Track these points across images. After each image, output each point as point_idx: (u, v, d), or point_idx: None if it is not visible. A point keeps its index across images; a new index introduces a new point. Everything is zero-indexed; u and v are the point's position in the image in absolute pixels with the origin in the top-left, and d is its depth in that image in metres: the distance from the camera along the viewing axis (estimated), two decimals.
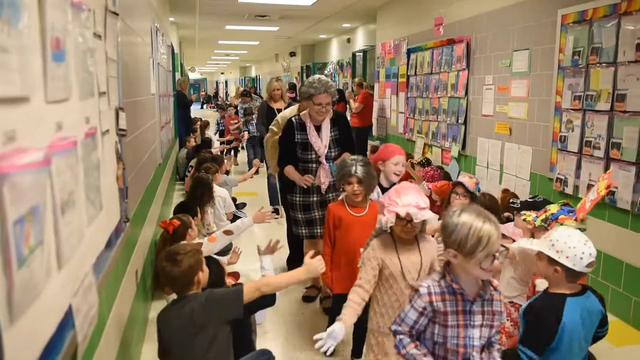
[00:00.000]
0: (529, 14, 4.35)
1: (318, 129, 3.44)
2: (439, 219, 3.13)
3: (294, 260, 4.16)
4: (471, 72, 5.38)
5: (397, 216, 1.99)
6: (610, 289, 3.44)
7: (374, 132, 8.50)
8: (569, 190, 3.83)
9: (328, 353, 1.88)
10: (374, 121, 8.49)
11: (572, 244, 1.84)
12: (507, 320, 2.66)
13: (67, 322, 1.32)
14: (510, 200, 3.39)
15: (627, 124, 3.26)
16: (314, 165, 3.45)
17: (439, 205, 4.00)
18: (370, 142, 8.29)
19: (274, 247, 2.59)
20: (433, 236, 2.42)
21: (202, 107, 31.04)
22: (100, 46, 1.92)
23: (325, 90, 3.30)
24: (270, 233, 5.44)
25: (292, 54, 16.40)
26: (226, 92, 35.34)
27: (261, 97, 9.66)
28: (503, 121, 4.80)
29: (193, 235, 3.27)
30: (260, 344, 2.97)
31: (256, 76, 27.01)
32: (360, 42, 10.97)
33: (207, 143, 8.30)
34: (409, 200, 2.01)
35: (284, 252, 4.04)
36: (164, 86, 6.02)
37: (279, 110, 5.40)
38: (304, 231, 3.54)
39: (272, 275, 2.44)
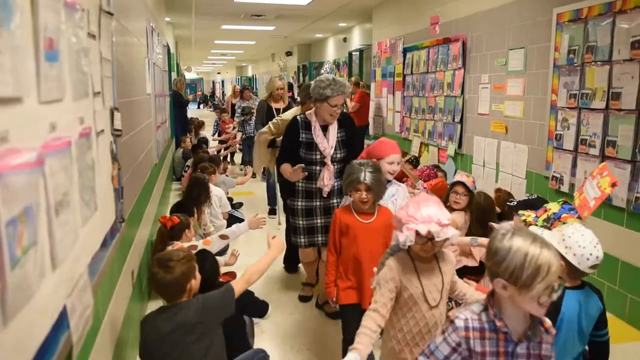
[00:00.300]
0: (525, 12, 4.36)
1: (324, 129, 3.28)
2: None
3: (288, 260, 4.24)
4: (467, 71, 5.38)
5: (417, 234, 1.80)
6: (606, 286, 3.45)
7: (371, 131, 8.50)
8: (564, 188, 3.84)
9: None
10: (370, 120, 8.50)
11: (582, 244, 1.85)
12: None
13: (61, 322, 1.32)
14: (509, 200, 3.40)
15: (622, 122, 3.27)
16: (318, 167, 3.28)
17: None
18: (367, 142, 8.29)
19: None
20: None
21: (198, 107, 31.04)
22: (94, 46, 1.91)
23: (342, 91, 3.16)
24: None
25: (289, 54, 16.40)
26: (223, 92, 35.31)
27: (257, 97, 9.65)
28: (499, 120, 4.81)
29: (189, 236, 3.27)
30: (257, 343, 2.98)
31: (253, 75, 27.00)
32: (356, 41, 10.98)
33: (202, 143, 8.28)
34: (430, 215, 1.81)
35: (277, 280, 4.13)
36: (160, 86, 6.01)
37: (279, 111, 5.37)
38: (303, 240, 3.36)
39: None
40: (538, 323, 1.51)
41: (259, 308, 3.41)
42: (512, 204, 3.16)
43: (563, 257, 1.87)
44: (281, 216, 5.39)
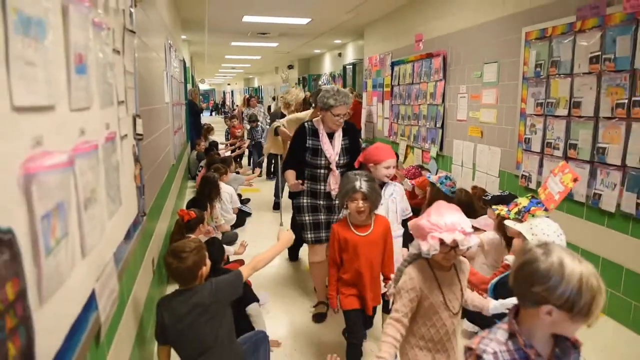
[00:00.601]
0: (498, 31, 4.36)
1: (330, 136, 3.15)
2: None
3: (289, 249, 4.18)
4: (447, 82, 5.38)
5: (441, 242, 1.62)
6: None
7: (363, 135, 8.49)
8: (532, 185, 3.84)
9: None
10: (362, 126, 8.49)
11: (546, 232, 1.87)
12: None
13: (91, 304, 1.32)
14: (485, 194, 3.41)
15: (582, 128, 3.27)
16: (323, 171, 3.14)
17: (422, 198, 4.01)
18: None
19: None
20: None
21: (211, 114, 31.00)
22: (119, 60, 1.91)
23: (345, 102, 3.03)
24: (274, 231, 5.44)
25: (290, 67, 16.37)
26: (232, 101, 35.24)
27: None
28: (475, 125, 4.81)
29: (202, 230, 3.26)
30: None
31: (259, 86, 26.94)
32: (350, 56, 10.96)
33: (213, 146, 8.25)
34: (454, 223, 1.63)
35: (284, 272, 4.00)
36: (177, 96, 6.00)
37: None
38: (310, 236, 3.19)
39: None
40: (564, 339, 1.20)
41: (247, 300, 3.05)
42: (487, 198, 3.17)
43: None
44: (283, 217, 5.35)
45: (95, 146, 1.42)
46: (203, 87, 31.02)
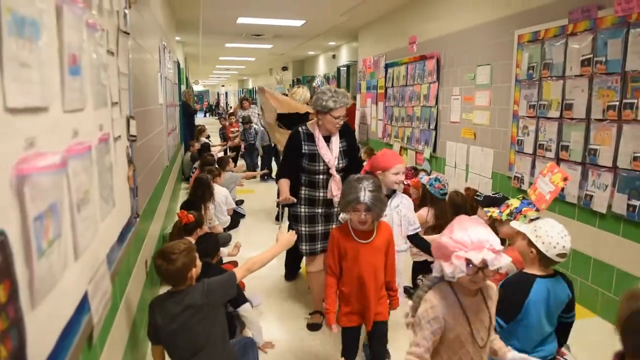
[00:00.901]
0: (490, 34, 4.39)
1: (326, 139, 2.96)
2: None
3: (287, 267, 3.89)
4: (441, 84, 5.40)
5: (469, 263, 1.40)
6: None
7: (357, 136, 8.50)
8: (525, 186, 3.87)
9: None
10: (356, 127, 8.51)
11: (551, 233, 1.86)
12: None
13: (83, 306, 1.31)
14: (477, 193, 3.43)
15: (574, 129, 3.30)
16: (322, 176, 2.95)
17: (415, 198, 4.03)
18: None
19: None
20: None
21: (205, 116, 30.93)
22: (113, 62, 1.90)
23: (345, 103, 2.86)
24: (271, 233, 5.43)
25: (285, 69, 16.37)
26: (226, 103, 35.17)
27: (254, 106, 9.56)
28: (468, 127, 4.83)
29: (200, 234, 3.24)
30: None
31: (253, 88, 26.91)
32: (344, 57, 10.98)
33: (206, 147, 8.22)
34: (481, 240, 1.41)
35: (280, 273, 3.87)
36: (171, 97, 5.98)
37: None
38: (305, 247, 3.01)
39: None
40: None
41: (237, 302, 2.89)
42: (479, 198, 3.19)
43: (534, 245, 1.89)
44: (284, 218, 5.29)
45: (88, 147, 1.42)
46: (197, 88, 30.94)
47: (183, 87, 10.42)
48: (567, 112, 3.34)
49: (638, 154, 2.78)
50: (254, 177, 7.83)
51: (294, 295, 3.61)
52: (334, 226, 2.96)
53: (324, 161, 2.92)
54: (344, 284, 2.22)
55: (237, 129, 9.12)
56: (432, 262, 1.61)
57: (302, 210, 3.01)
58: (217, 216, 4.52)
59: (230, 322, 2.61)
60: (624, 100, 2.87)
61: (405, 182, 4.27)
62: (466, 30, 4.83)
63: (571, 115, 3.30)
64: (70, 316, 1.19)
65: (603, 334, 2.98)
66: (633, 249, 2.90)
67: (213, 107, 33.42)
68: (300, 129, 3.00)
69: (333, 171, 2.94)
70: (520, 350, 1.89)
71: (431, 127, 5.60)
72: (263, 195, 6.97)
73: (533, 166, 3.78)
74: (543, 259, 1.89)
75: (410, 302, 1.62)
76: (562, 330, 2.03)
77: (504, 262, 1.42)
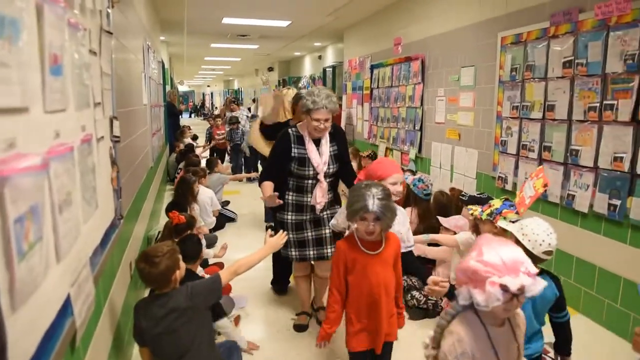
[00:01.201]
0: (474, 36, 4.43)
1: (317, 142, 2.80)
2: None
3: (278, 282, 3.67)
4: (426, 86, 5.45)
5: (504, 289, 1.25)
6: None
7: None
8: (509, 187, 3.92)
9: None
10: (342, 128, 8.52)
11: (537, 231, 1.89)
12: None
13: (66, 309, 1.30)
14: (462, 193, 3.47)
15: (556, 130, 3.35)
16: (311, 181, 2.80)
17: (399, 199, 4.06)
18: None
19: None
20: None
21: (190, 116, 30.73)
22: (95, 62, 1.88)
23: (324, 106, 2.64)
24: (257, 233, 5.41)
25: (270, 69, 16.34)
26: (212, 103, 34.97)
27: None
28: (453, 128, 4.88)
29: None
30: None
31: (239, 88, 26.81)
32: (330, 58, 11.00)
33: (190, 148, 8.16)
34: (515, 261, 1.28)
35: (267, 275, 3.68)
36: (155, 97, 5.92)
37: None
38: (294, 253, 2.88)
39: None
40: None
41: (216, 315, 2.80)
42: (464, 198, 3.23)
43: (520, 244, 1.91)
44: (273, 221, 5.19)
45: (70, 148, 1.40)
46: (182, 88, 30.72)
47: (168, 88, 10.33)
48: (550, 113, 3.39)
49: (618, 154, 2.84)
50: (241, 180, 7.81)
51: (281, 296, 3.60)
52: (325, 231, 2.87)
53: (313, 166, 2.77)
54: (352, 303, 2.03)
55: (222, 131, 9.08)
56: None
57: (289, 217, 2.86)
58: (202, 217, 4.50)
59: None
60: (604, 102, 2.92)
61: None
62: (451, 32, 4.87)
63: (553, 116, 3.36)
64: (52, 319, 1.17)
65: (586, 332, 3.03)
66: (614, 248, 2.95)
67: (198, 107, 33.22)
68: (290, 130, 2.85)
69: (321, 177, 2.78)
70: None
71: (416, 127, 5.64)
72: (249, 195, 6.95)
73: (516, 166, 3.82)
74: (530, 258, 1.92)
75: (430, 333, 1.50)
76: (559, 332, 2.04)
77: (540, 287, 1.28)
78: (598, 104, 2.97)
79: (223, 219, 5.42)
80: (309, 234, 2.87)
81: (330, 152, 2.83)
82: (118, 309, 2.27)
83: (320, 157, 2.78)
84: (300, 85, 13.22)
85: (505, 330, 1.39)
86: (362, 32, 7.70)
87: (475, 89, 4.44)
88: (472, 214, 2.68)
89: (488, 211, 2.58)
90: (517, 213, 2.46)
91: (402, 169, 5.20)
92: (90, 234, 1.65)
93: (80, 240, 1.48)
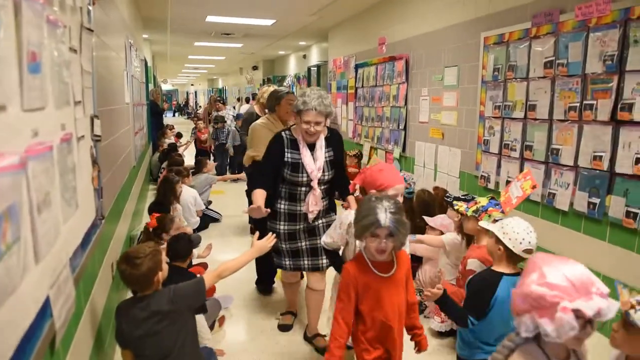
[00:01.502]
0: (457, 36, 4.48)
1: (311, 147, 2.62)
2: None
3: (262, 282, 3.66)
4: (410, 85, 5.48)
5: (578, 316, 1.08)
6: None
7: None
8: (491, 185, 3.96)
9: None
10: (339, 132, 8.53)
11: (517, 230, 1.93)
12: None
13: (45, 311, 1.27)
14: (447, 194, 3.50)
15: (537, 130, 3.40)
16: (305, 189, 2.63)
17: None
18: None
19: None
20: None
21: (174, 115, 30.46)
22: (75, 59, 1.85)
23: (314, 107, 2.46)
24: (242, 234, 5.39)
25: (255, 68, 16.27)
26: (196, 102, 34.70)
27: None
28: (436, 127, 4.92)
29: (165, 238, 3.17)
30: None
31: (223, 87, 26.63)
32: (314, 58, 11.00)
33: (173, 147, 8.09)
34: (584, 282, 1.12)
35: (251, 275, 3.64)
36: (138, 96, 5.85)
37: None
38: (288, 262, 2.73)
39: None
40: None
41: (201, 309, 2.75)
42: (449, 199, 3.26)
43: (502, 242, 1.94)
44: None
45: (49, 147, 1.37)
46: (166, 87, 30.41)
47: (151, 86, 10.23)
48: (531, 113, 3.44)
49: (597, 154, 2.89)
50: (227, 180, 7.76)
51: (265, 296, 3.59)
52: (320, 240, 2.54)
53: (307, 172, 2.60)
54: (365, 332, 1.86)
55: (206, 135, 9.04)
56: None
57: (282, 227, 2.70)
58: (185, 217, 4.46)
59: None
60: (584, 102, 2.98)
61: None
62: (434, 32, 4.91)
63: (535, 116, 3.40)
64: (31, 322, 1.15)
65: None
66: (593, 245, 3.01)
67: (182, 106, 32.93)
68: (283, 133, 2.68)
69: (314, 183, 2.60)
70: (483, 344, 1.95)
71: (400, 127, 5.67)
72: (234, 196, 6.92)
73: (499, 165, 3.87)
74: (510, 256, 1.95)
75: None
76: None
77: (615, 309, 1.11)
78: (578, 104, 3.02)
79: (207, 219, 5.39)
80: (303, 243, 2.72)
81: (325, 157, 2.65)
82: (99, 310, 2.24)
83: (314, 163, 2.60)
84: (285, 84, 13.22)
85: None
86: (346, 31, 7.72)
87: (459, 89, 4.48)
88: (457, 210, 2.70)
89: (474, 208, 2.60)
90: (502, 212, 2.50)
91: None
92: (70, 235, 1.62)
93: (59, 241, 1.45)
